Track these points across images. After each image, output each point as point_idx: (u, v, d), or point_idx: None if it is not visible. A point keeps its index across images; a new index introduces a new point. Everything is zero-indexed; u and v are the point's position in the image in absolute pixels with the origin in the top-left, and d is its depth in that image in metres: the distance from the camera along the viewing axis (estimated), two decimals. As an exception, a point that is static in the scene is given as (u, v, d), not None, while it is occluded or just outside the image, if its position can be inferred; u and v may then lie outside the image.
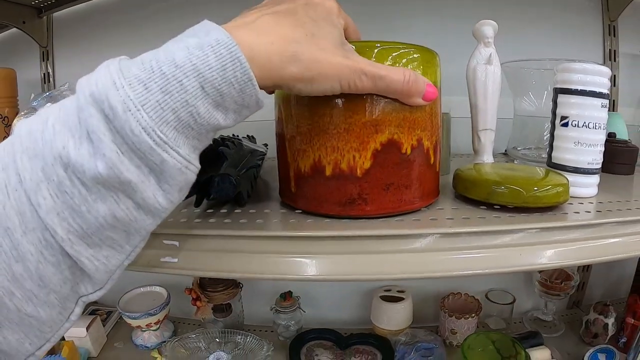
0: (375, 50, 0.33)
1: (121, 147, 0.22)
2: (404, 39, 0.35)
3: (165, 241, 0.36)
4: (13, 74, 0.63)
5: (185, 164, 0.24)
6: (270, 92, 0.32)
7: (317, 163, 0.35)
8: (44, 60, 0.85)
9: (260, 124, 0.69)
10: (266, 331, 0.85)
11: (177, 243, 0.36)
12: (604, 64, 0.84)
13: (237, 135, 0.58)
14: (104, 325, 0.84)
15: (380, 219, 0.37)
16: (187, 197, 0.38)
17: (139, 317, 0.77)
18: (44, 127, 0.22)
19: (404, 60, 0.34)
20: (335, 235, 0.34)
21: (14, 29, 0.81)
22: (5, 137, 0.23)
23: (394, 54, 0.33)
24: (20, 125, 0.24)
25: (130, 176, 0.22)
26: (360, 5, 0.79)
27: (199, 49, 0.23)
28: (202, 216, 0.39)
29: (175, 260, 0.36)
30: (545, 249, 0.37)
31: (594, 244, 0.38)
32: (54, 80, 0.85)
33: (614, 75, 0.84)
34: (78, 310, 0.28)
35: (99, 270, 0.26)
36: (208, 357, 0.75)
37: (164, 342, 0.81)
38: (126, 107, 0.21)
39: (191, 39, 0.23)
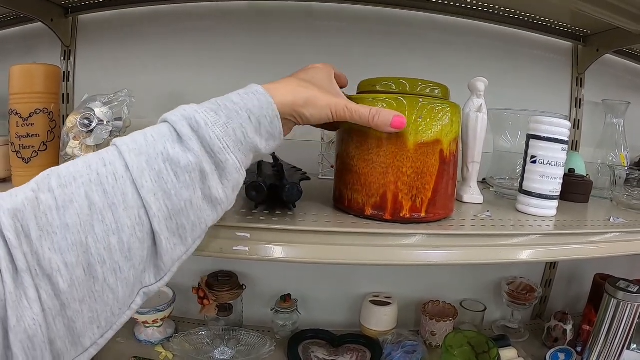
0: (420, 102, 0.52)
1: (201, 147, 0.36)
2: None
3: (237, 233, 0.52)
4: (58, 71, 0.70)
5: (239, 167, 0.38)
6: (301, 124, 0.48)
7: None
8: (65, 59, 0.96)
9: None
10: (263, 331, 0.99)
11: (248, 235, 0.52)
12: (570, 110, 1.09)
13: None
14: (105, 321, 0.95)
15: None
16: (258, 200, 0.54)
17: (148, 312, 0.89)
18: (144, 136, 0.35)
19: (438, 109, 0.52)
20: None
21: (37, 25, 0.92)
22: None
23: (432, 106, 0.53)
24: (116, 140, 0.36)
25: (207, 167, 0.36)
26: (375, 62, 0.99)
27: (247, 94, 0.40)
28: (264, 216, 0.55)
29: (247, 249, 0.52)
30: (519, 250, 0.57)
31: (553, 248, 0.58)
32: (73, 80, 0.97)
33: (579, 120, 1.09)
34: (139, 300, 0.35)
35: (167, 253, 0.35)
36: (213, 351, 0.89)
37: (167, 338, 0.94)
38: (205, 123, 0.36)
39: (241, 90, 0.41)
